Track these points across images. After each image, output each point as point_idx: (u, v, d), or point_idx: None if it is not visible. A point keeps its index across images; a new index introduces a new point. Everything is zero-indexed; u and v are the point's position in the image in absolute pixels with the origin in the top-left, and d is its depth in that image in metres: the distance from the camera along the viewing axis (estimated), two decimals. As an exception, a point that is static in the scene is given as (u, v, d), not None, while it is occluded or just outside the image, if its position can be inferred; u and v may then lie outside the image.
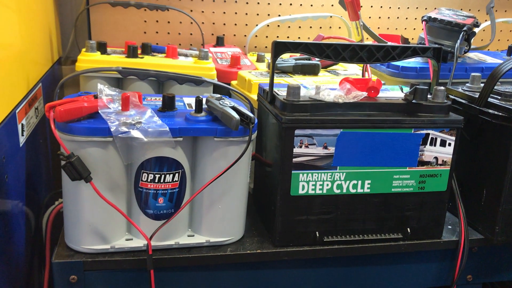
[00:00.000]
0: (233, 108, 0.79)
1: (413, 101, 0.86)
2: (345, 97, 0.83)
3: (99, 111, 0.75)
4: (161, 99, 0.84)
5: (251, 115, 0.79)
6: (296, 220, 0.85)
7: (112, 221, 0.80)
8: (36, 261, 1.01)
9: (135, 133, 0.73)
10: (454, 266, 0.94)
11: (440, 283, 0.98)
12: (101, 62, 1.07)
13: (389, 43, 0.90)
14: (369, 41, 1.37)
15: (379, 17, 1.61)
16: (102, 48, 1.11)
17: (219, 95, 0.83)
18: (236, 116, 0.76)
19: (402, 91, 0.92)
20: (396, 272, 0.95)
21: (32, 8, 1.06)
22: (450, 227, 0.97)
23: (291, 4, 1.54)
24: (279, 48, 0.83)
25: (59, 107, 0.73)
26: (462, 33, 1.15)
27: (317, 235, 0.87)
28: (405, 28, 1.65)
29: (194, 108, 0.83)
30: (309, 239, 0.87)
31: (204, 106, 0.83)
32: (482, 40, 1.68)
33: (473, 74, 1.02)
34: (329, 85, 0.90)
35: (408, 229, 0.90)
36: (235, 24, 1.52)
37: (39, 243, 1.01)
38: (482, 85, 0.95)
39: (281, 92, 0.86)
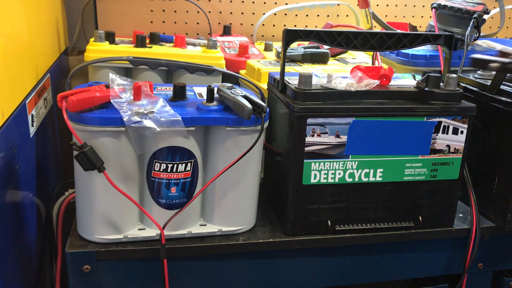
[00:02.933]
0: (245, 97, 0.79)
1: (426, 89, 0.85)
2: (357, 85, 0.83)
3: (111, 101, 0.75)
4: (172, 88, 0.84)
5: (263, 104, 0.79)
6: (308, 209, 0.85)
7: (125, 210, 0.80)
8: (47, 251, 1.01)
9: (148, 123, 0.73)
10: (465, 254, 0.94)
11: (452, 271, 0.98)
12: (110, 52, 1.06)
13: (399, 31, 0.89)
14: (377, 29, 1.35)
15: (387, 5, 1.60)
16: (110, 38, 1.11)
17: (230, 84, 0.83)
18: (248, 105, 0.76)
19: (415, 79, 0.91)
20: (408, 260, 0.95)
21: (40, -2, 1.06)
22: (461, 215, 0.97)
23: (298, -8, 1.52)
24: (290, 36, 0.82)
25: (72, 97, 0.72)
26: (472, 20, 1.14)
27: (329, 224, 0.86)
28: (413, 16, 1.63)
29: (205, 97, 0.82)
30: (321, 228, 0.87)
31: (215, 95, 0.82)
32: (490, 27, 1.66)
33: (484, 61, 1.01)
34: (340, 73, 0.89)
35: (420, 218, 0.90)
36: (242, 13, 1.51)
37: (49, 233, 1.01)
38: (493, 72, 0.94)
39: (292, 81, 0.85)
